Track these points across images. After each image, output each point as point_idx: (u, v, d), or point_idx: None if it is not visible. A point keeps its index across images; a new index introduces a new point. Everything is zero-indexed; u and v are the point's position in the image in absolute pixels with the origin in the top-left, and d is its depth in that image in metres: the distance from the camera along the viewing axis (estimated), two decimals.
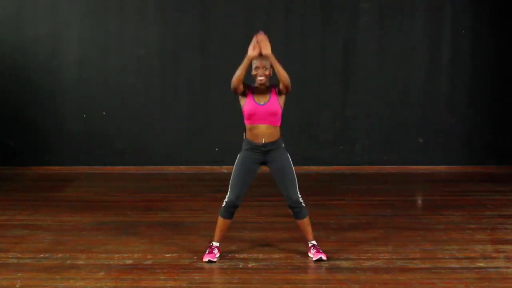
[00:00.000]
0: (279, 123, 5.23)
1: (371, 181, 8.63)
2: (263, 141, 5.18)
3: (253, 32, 9.14)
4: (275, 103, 5.17)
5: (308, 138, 9.25)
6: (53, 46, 9.15)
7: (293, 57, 9.13)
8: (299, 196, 5.25)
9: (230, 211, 5.29)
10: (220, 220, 5.34)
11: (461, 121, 9.36)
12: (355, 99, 9.32)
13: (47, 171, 9.14)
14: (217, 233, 5.38)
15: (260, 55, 5.15)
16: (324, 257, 5.29)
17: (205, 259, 5.29)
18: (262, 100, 5.17)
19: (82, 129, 9.26)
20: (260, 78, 5.14)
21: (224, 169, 9.19)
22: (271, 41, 5.07)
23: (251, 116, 5.17)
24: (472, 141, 9.38)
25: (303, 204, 5.28)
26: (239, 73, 5.12)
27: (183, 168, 9.28)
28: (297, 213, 5.30)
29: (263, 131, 5.18)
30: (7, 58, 9.16)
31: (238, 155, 5.29)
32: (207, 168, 9.27)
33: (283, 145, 5.29)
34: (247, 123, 5.22)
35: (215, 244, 5.39)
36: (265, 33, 5.21)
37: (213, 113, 9.25)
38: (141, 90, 9.26)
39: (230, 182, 5.27)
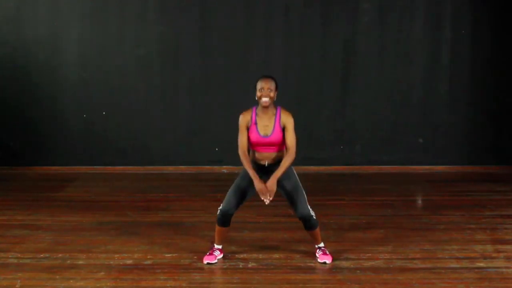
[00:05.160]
0: (283, 148, 5.20)
1: (371, 181, 8.63)
2: (266, 163, 5.19)
3: (253, 32, 9.19)
4: (278, 134, 5.13)
5: (308, 138, 9.24)
6: (53, 46, 9.14)
7: (293, 57, 9.14)
8: (310, 209, 5.20)
9: (224, 220, 5.24)
10: (218, 228, 5.32)
11: (461, 121, 9.35)
12: (355, 99, 9.32)
13: (47, 171, 9.14)
14: (217, 238, 5.38)
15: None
16: (328, 261, 5.28)
17: (204, 261, 5.30)
18: (265, 131, 5.12)
19: (82, 129, 9.26)
20: (265, 100, 5.07)
21: (224, 169, 9.20)
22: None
23: (255, 145, 5.16)
24: (472, 141, 9.38)
25: (315, 217, 5.24)
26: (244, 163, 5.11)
27: (183, 168, 9.28)
28: (308, 227, 5.27)
29: (267, 156, 5.17)
30: (7, 58, 9.15)
31: (243, 169, 5.23)
32: (207, 168, 9.27)
33: None
34: (251, 147, 5.21)
35: (217, 246, 5.40)
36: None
37: (213, 113, 9.25)
38: (141, 90, 9.26)
39: (228, 193, 5.23)
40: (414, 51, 9.25)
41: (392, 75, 9.27)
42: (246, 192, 5.20)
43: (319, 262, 5.29)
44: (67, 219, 6.66)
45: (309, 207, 5.20)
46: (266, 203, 5.09)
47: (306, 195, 5.24)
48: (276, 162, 5.18)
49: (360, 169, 9.25)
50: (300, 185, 5.22)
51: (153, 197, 7.68)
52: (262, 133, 5.12)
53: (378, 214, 6.86)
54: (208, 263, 5.27)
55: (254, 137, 5.13)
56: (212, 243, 5.48)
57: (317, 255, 5.37)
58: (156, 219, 6.67)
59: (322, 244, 5.41)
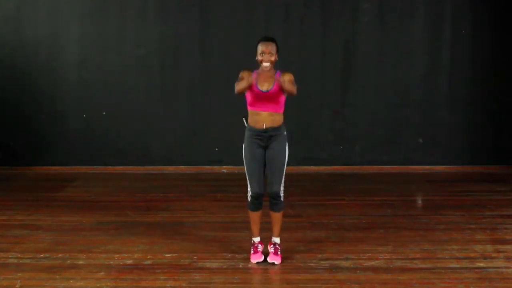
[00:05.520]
0: (282, 110, 5.18)
1: (371, 181, 8.63)
2: (264, 126, 5.15)
3: (253, 32, 9.18)
4: (278, 90, 5.12)
5: (308, 138, 9.25)
6: (53, 46, 9.14)
7: (293, 57, 9.13)
8: (281, 189, 5.21)
9: (257, 203, 5.24)
10: (252, 214, 5.30)
11: (461, 121, 9.35)
12: (355, 99, 9.32)
13: (47, 171, 9.14)
14: (253, 228, 5.35)
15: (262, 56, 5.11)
16: (276, 262, 5.26)
17: (253, 260, 5.28)
18: (265, 86, 5.11)
19: (82, 129, 9.26)
20: (266, 65, 5.09)
21: (224, 169, 9.20)
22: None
23: (253, 102, 5.14)
24: (472, 141, 9.38)
25: (282, 199, 5.24)
26: (239, 89, 5.08)
27: (183, 168, 9.28)
28: (273, 205, 5.26)
29: (266, 117, 5.15)
30: (7, 59, 9.15)
31: (243, 146, 5.25)
32: (207, 168, 9.27)
33: (285, 132, 5.24)
34: (249, 109, 5.19)
35: (256, 240, 5.37)
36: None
37: (213, 113, 9.25)
38: (141, 90, 9.26)
39: (247, 175, 5.22)
40: (414, 51, 9.25)
41: (392, 75, 9.27)
42: (263, 164, 5.19)
43: (268, 262, 5.27)
44: (67, 219, 6.66)
45: (282, 188, 5.20)
46: (266, 65, 5.07)
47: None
48: (276, 127, 5.15)
49: (360, 169, 9.25)
50: (285, 165, 5.21)
51: (153, 197, 7.68)
52: (261, 88, 5.11)
53: (378, 214, 6.86)
54: (257, 262, 5.25)
55: (254, 91, 5.11)
56: (250, 239, 5.42)
57: (269, 249, 5.34)
58: (156, 219, 6.67)
59: (278, 240, 5.36)
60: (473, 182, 8.54)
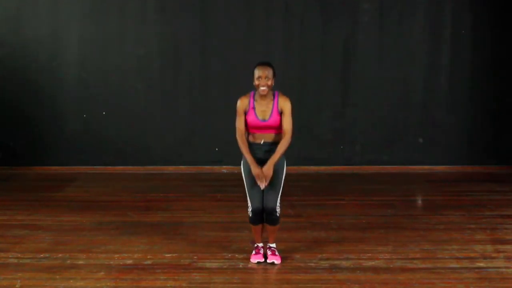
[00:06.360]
0: (281, 131, 5.20)
1: (371, 181, 8.63)
2: (262, 141, 5.18)
3: (253, 32, 9.17)
4: (276, 118, 5.14)
5: (308, 138, 9.24)
6: (53, 46, 9.14)
7: (293, 57, 9.14)
8: (278, 205, 5.18)
9: (258, 217, 5.24)
10: (253, 227, 5.33)
11: (461, 121, 9.36)
12: (355, 99, 9.32)
13: (47, 171, 9.14)
14: (256, 236, 5.39)
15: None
16: (276, 261, 5.28)
17: (254, 260, 5.30)
18: (263, 115, 5.14)
19: (82, 129, 9.26)
20: (263, 89, 5.08)
21: (224, 169, 9.20)
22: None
23: (252, 129, 5.18)
24: (472, 141, 9.38)
25: (278, 215, 5.21)
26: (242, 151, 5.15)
27: (183, 168, 9.28)
28: (270, 220, 5.25)
29: (264, 136, 5.19)
30: (7, 58, 9.15)
31: (242, 162, 5.25)
32: (207, 168, 9.27)
33: None
34: (248, 130, 5.23)
35: (260, 245, 5.40)
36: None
37: (213, 113, 9.25)
38: (141, 90, 9.26)
39: (247, 191, 5.22)
40: (414, 51, 9.25)
41: (392, 75, 9.27)
42: None
43: (268, 262, 5.28)
44: (67, 219, 6.66)
45: (278, 203, 5.17)
46: (262, 188, 5.09)
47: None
48: (274, 142, 5.17)
49: (360, 169, 9.25)
50: (282, 181, 5.20)
51: (153, 197, 7.68)
52: (260, 117, 5.14)
53: (378, 214, 6.86)
54: (258, 262, 5.28)
55: (252, 120, 5.14)
56: (253, 243, 5.45)
57: (267, 253, 5.37)
58: (156, 219, 6.67)
59: (274, 245, 5.40)
60: (473, 182, 8.54)
